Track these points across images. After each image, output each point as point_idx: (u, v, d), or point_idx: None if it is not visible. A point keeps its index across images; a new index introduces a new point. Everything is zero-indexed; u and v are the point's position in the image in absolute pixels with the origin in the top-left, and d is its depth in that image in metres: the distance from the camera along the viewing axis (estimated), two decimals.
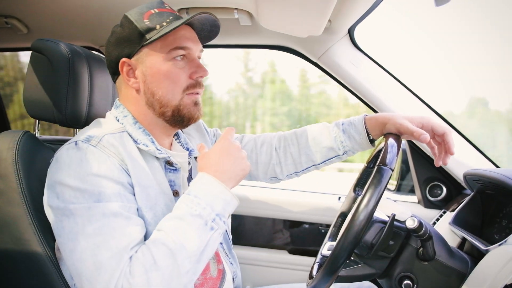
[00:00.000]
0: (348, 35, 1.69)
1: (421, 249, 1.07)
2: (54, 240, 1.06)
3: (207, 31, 1.18)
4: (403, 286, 1.08)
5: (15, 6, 1.59)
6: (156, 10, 1.09)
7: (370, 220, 0.93)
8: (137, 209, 0.99)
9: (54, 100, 1.20)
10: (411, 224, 1.01)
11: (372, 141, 1.31)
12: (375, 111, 1.78)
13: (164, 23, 1.07)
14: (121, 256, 0.89)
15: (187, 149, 1.26)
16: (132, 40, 1.08)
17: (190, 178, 1.24)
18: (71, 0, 1.51)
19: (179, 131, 1.29)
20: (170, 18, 1.08)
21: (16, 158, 1.08)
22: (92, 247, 0.90)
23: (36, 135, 1.29)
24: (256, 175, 1.46)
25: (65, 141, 1.34)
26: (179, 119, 1.12)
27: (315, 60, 1.79)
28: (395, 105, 1.72)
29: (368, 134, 1.29)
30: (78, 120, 1.24)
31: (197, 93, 1.13)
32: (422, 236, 1.02)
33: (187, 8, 1.52)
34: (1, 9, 1.61)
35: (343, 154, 1.35)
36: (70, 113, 1.21)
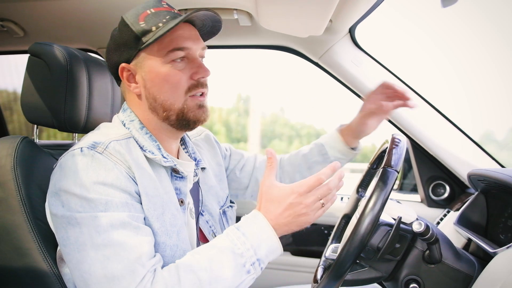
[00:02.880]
0: (349, 34, 1.68)
1: (427, 251, 1.06)
2: (55, 249, 1.05)
3: (209, 27, 1.13)
4: None
5: (11, 9, 1.57)
6: (152, 10, 1.04)
7: (376, 224, 0.92)
8: (144, 218, 0.97)
9: (52, 105, 1.18)
10: (417, 227, 0.99)
11: (354, 149, 1.43)
12: None
13: (160, 24, 1.02)
14: (134, 268, 0.87)
15: (195, 159, 1.22)
16: (129, 44, 1.04)
17: (197, 189, 1.21)
18: (67, 3, 1.49)
19: (187, 139, 1.25)
20: (167, 17, 1.03)
21: (14, 164, 1.06)
22: (102, 258, 0.87)
23: (35, 141, 1.27)
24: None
25: (63, 145, 1.33)
26: (184, 123, 1.07)
27: (315, 60, 1.77)
28: None
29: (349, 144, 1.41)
30: (77, 124, 1.22)
31: (202, 95, 1.08)
32: (429, 239, 1.01)
33: (185, 9, 1.51)
34: None
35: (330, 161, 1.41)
36: (69, 117, 1.19)
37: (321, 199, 0.96)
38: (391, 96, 1.40)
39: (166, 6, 1.07)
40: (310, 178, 0.95)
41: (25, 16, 1.63)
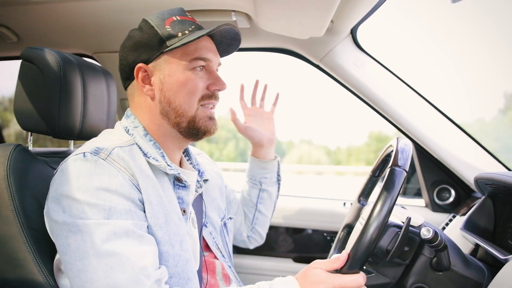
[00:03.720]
0: (350, 35, 1.66)
1: (435, 259, 1.03)
2: (51, 259, 1.02)
3: (226, 45, 1.17)
4: None
5: (4, 14, 1.55)
6: (178, 18, 1.06)
7: (385, 225, 0.89)
8: (147, 227, 0.96)
9: (46, 111, 1.15)
10: (426, 234, 0.96)
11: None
12: (379, 113, 1.74)
13: (187, 32, 1.04)
14: (138, 278, 0.86)
15: (198, 171, 1.22)
16: (151, 45, 1.05)
17: (201, 200, 1.21)
18: (61, 7, 1.47)
19: (191, 151, 1.26)
20: (192, 27, 1.06)
21: (8, 173, 1.04)
22: (105, 268, 0.86)
23: (29, 148, 1.24)
24: (241, 232, 1.56)
25: (58, 153, 1.30)
26: (194, 132, 1.09)
27: (316, 62, 1.75)
28: (400, 106, 1.69)
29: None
30: (71, 131, 1.19)
31: (212, 106, 1.11)
32: (437, 246, 0.98)
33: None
34: None
35: (261, 184, 1.53)
36: (63, 124, 1.17)
37: None
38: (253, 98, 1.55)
39: (190, 17, 1.10)
40: (356, 278, 0.92)
41: (19, 21, 1.61)
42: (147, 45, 1.05)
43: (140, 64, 1.06)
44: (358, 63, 1.67)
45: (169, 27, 1.04)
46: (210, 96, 1.09)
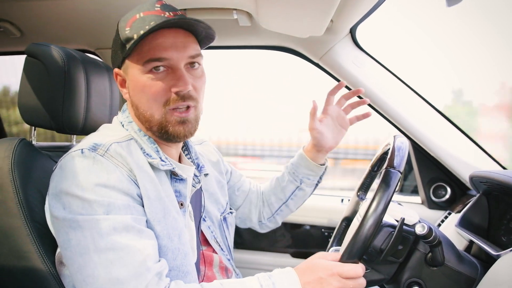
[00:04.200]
0: (350, 35, 1.67)
1: (430, 254, 1.05)
2: (54, 251, 1.03)
3: (203, 32, 1.05)
4: None
5: (7, 9, 1.56)
6: (142, 15, 0.98)
7: (379, 225, 0.91)
8: (146, 221, 0.96)
9: (50, 106, 1.17)
10: (420, 230, 0.98)
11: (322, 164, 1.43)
12: (378, 112, 1.76)
13: (142, 31, 0.95)
14: (139, 272, 0.86)
15: (198, 165, 1.20)
16: (117, 50, 1.04)
17: (200, 194, 1.20)
18: (65, 3, 1.48)
19: (190, 145, 1.23)
20: (151, 23, 0.95)
21: (12, 167, 1.05)
22: (105, 263, 0.86)
23: (33, 142, 1.26)
24: (250, 218, 1.51)
25: (62, 147, 1.32)
26: (165, 136, 1.04)
27: (316, 61, 1.76)
28: (397, 105, 1.70)
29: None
30: (75, 126, 1.20)
31: (187, 108, 1.02)
32: (432, 242, 1.00)
33: (184, 10, 1.49)
34: None
35: (301, 183, 1.43)
36: (67, 119, 1.18)
37: None
38: (346, 108, 1.41)
39: (158, 8, 1.00)
40: (356, 267, 0.93)
41: (22, 16, 1.61)
42: (115, 50, 1.04)
43: (115, 70, 1.06)
44: (357, 62, 1.68)
45: (129, 28, 0.98)
46: (176, 99, 0.99)
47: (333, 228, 1.90)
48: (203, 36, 1.06)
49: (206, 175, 1.24)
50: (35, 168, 1.11)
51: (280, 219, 1.52)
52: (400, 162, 0.98)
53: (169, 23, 0.96)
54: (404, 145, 1.04)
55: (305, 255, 1.98)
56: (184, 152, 1.22)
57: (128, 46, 0.98)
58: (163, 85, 0.99)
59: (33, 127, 1.27)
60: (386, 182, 0.93)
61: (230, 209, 1.38)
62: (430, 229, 0.98)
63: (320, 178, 1.46)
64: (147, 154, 1.03)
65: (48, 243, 1.02)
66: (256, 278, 0.95)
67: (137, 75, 1.00)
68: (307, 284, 0.93)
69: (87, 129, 1.22)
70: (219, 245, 1.23)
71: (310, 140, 1.40)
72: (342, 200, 1.97)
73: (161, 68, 0.99)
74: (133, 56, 1.00)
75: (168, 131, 1.02)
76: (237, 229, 1.98)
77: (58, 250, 1.01)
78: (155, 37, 0.97)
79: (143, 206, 0.96)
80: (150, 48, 0.97)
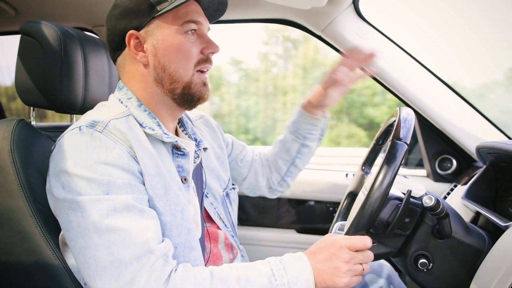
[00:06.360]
0: (352, 5, 1.63)
1: (437, 226, 1.04)
2: (57, 232, 1.03)
3: (213, 10, 1.13)
4: (418, 265, 1.05)
5: None
6: None
7: (386, 198, 0.90)
8: (148, 200, 0.95)
9: (48, 86, 1.14)
10: (428, 202, 0.97)
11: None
12: (380, 83, 1.73)
13: None
14: (142, 253, 0.85)
15: (195, 140, 1.20)
16: (141, 11, 1.02)
17: (200, 170, 1.19)
18: None
19: (186, 120, 1.23)
20: None
21: (12, 148, 1.03)
22: (107, 244, 0.85)
23: (32, 123, 1.24)
24: (258, 187, 1.52)
25: (62, 127, 1.30)
26: (188, 98, 1.06)
27: (318, 33, 1.72)
28: (403, 76, 1.67)
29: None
30: (74, 105, 1.19)
31: (207, 71, 1.09)
32: (439, 214, 0.99)
33: None
34: None
35: (304, 139, 1.44)
36: (65, 98, 1.16)
37: (362, 263, 0.95)
38: (358, 61, 1.38)
39: None
40: (364, 238, 0.94)
41: None
42: (137, 12, 1.02)
43: (131, 31, 1.03)
44: (360, 33, 1.64)
45: None
46: (205, 60, 1.07)
47: (338, 203, 1.90)
48: (208, 14, 1.13)
49: (205, 149, 1.23)
50: (35, 149, 1.10)
51: (290, 181, 1.54)
52: (406, 133, 0.96)
53: None
54: (410, 116, 1.02)
55: (310, 231, 1.99)
56: (180, 128, 1.21)
57: (161, 6, 1.01)
58: (196, 47, 1.05)
59: (31, 108, 1.25)
60: (392, 153, 0.91)
61: (233, 184, 1.37)
62: (437, 201, 0.97)
63: (322, 131, 1.48)
64: (150, 127, 1.02)
65: (51, 224, 1.02)
66: (267, 261, 0.95)
67: (171, 35, 1.03)
68: (318, 263, 0.93)
69: (86, 108, 1.20)
70: (223, 222, 1.23)
71: (309, 98, 1.43)
72: (347, 174, 1.96)
73: (192, 32, 1.05)
74: (167, 16, 1.03)
75: (194, 92, 1.06)
76: (241, 206, 1.99)
77: (62, 232, 1.01)
78: (189, 3, 1.05)
79: (144, 184, 0.95)
80: (188, 12, 1.04)
